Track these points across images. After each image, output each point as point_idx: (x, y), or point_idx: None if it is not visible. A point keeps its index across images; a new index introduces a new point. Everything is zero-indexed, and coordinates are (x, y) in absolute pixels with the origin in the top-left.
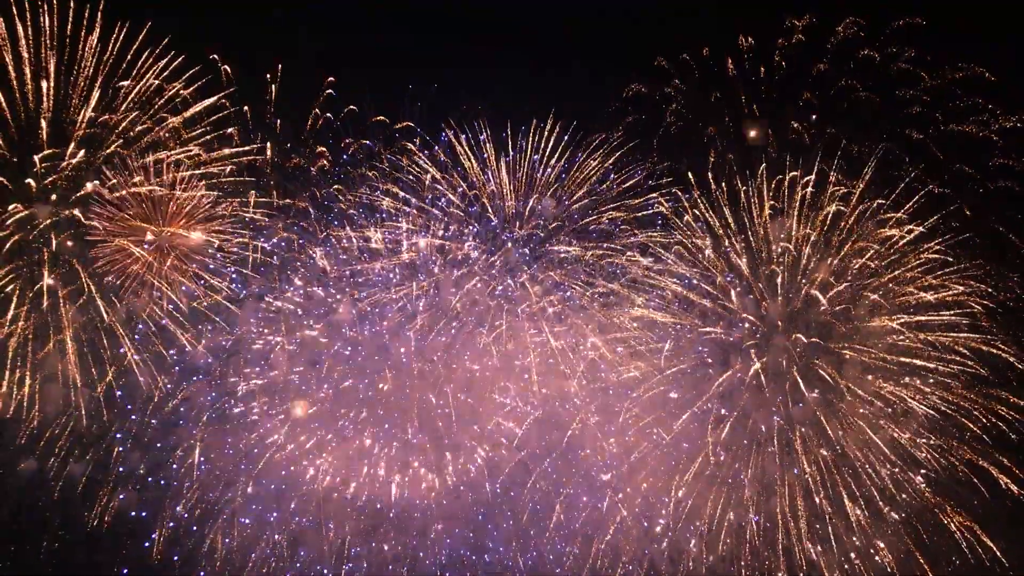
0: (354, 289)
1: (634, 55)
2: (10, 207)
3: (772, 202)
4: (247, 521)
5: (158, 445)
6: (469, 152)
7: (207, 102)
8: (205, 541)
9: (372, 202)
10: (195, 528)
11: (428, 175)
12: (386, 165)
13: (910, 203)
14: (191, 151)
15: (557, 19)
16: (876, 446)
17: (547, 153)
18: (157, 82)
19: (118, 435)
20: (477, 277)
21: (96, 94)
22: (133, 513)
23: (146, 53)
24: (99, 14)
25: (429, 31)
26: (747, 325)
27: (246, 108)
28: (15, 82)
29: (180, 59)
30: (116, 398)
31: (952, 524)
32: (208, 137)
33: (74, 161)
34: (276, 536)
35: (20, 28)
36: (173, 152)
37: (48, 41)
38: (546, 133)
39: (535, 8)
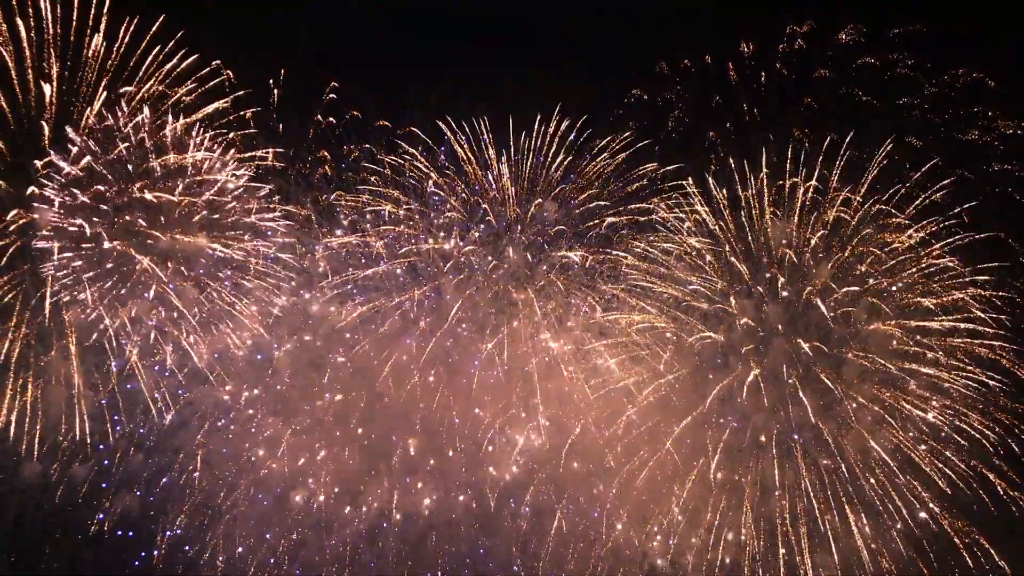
0: (356, 294)
1: (634, 55)
2: (11, 214)
3: (773, 208)
4: (248, 536)
5: (151, 461)
6: (470, 155)
7: (209, 108)
8: (207, 549)
9: (374, 207)
10: (192, 536)
11: (430, 180)
12: (388, 171)
13: (911, 208)
14: (195, 156)
15: (557, 19)
16: (876, 452)
17: (548, 156)
18: (160, 88)
19: (101, 445)
20: (478, 282)
21: (99, 97)
22: (121, 532)
23: (150, 58)
24: (104, 15)
25: (429, 31)
26: (747, 330)
27: (249, 115)
28: (17, 84)
29: (185, 64)
30: (118, 404)
31: (952, 530)
32: (209, 143)
33: (77, 167)
34: (277, 551)
35: (22, 28)
36: (177, 157)
37: (51, 41)
38: (548, 136)
39: (535, 8)
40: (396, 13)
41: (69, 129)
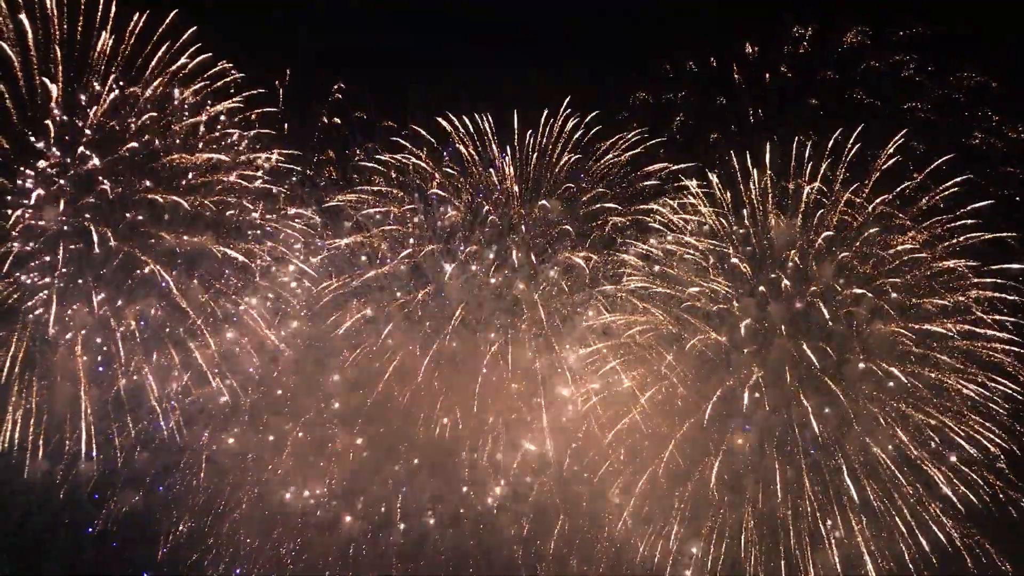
0: (360, 295)
1: (634, 55)
2: (15, 215)
3: (777, 209)
4: (252, 536)
5: (156, 461)
6: (474, 154)
7: (217, 108)
8: (211, 549)
9: (378, 207)
10: (196, 535)
11: (434, 181)
12: (393, 172)
13: (915, 210)
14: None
15: (557, 19)
16: (877, 453)
17: (553, 156)
18: (166, 90)
19: (96, 451)
20: (482, 282)
21: (107, 97)
22: (125, 532)
23: (155, 58)
24: (111, 15)
25: (429, 31)
26: (750, 331)
27: (254, 116)
28: (23, 83)
29: (191, 64)
30: (123, 404)
31: (953, 531)
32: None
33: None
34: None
35: (28, 25)
36: (185, 157)
37: (57, 38)
38: (553, 136)
39: (535, 8)
40: (396, 13)
41: (74, 126)
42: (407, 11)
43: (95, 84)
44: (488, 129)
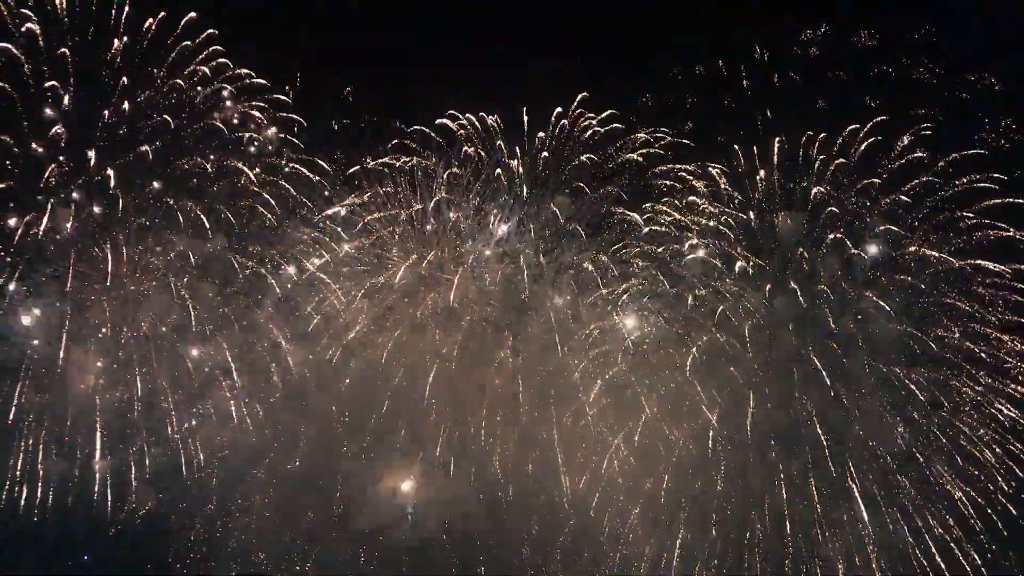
0: (369, 295)
1: (635, 55)
2: (27, 217)
3: (784, 208)
4: (264, 532)
5: (168, 459)
6: (482, 153)
7: (228, 111)
8: (223, 545)
9: (386, 211)
10: (209, 532)
11: (442, 180)
12: (399, 175)
13: (922, 209)
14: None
15: (557, 19)
16: (878, 450)
17: (562, 156)
18: (178, 96)
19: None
20: (491, 282)
21: (117, 101)
22: (138, 528)
23: (169, 61)
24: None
25: (429, 31)
26: (756, 328)
27: (264, 119)
28: (33, 86)
29: (204, 70)
30: (135, 402)
31: (954, 527)
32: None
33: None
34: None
35: (39, 29)
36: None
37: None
38: (559, 137)
39: (534, 8)
40: (395, 13)
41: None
42: (406, 11)
43: (107, 88)
44: (495, 128)
